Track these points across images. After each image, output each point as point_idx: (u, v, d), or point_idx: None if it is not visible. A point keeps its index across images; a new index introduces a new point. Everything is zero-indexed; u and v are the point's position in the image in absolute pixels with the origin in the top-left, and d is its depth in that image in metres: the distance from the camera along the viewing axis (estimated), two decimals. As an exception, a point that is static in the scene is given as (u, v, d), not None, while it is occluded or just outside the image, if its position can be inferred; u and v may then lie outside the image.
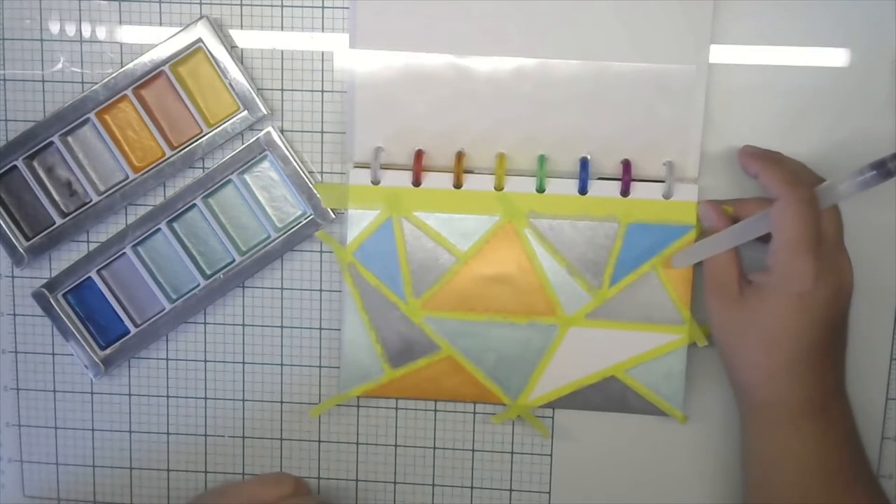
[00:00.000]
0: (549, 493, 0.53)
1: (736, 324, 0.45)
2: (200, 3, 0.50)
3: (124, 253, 0.52)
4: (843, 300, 0.44)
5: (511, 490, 0.53)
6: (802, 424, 0.44)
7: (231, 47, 0.50)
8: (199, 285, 0.52)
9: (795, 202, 0.41)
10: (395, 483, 0.54)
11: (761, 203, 0.46)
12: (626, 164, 0.48)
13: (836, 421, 0.45)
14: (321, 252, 0.52)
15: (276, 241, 0.51)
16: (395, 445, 0.53)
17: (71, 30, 0.51)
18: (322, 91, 0.50)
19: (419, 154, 0.49)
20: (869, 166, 0.38)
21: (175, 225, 0.52)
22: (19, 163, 0.51)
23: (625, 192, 0.48)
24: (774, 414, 0.45)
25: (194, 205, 0.51)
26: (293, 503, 0.48)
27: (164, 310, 0.52)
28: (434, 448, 0.53)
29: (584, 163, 0.49)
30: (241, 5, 0.50)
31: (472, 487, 0.53)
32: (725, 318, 0.45)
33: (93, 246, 0.52)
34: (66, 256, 0.53)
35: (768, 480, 0.45)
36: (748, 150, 0.47)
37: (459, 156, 0.49)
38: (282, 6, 0.50)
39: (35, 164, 0.51)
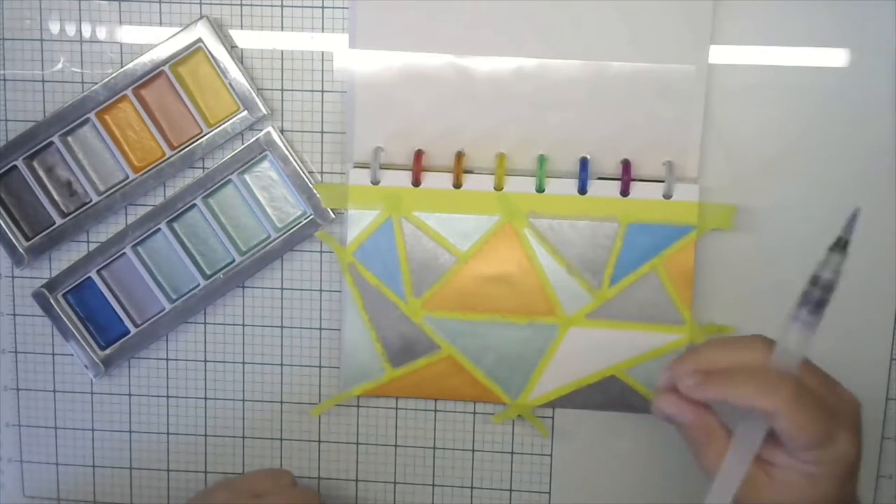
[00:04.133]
0: (549, 492, 0.53)
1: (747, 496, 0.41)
2: (200, 3, 0.50)
3: (124, 253, 0.52)
4: (855, 461, 0.40)
5: (511, 490, 0.53)
6: None
7: (231, 47, 0.50)
8: (199, 285, 0.52)
9: (792, 410, 0.37)
10: (395, 483, 0.54)
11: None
12: (626, 164, 0.48)
13: None
14: (321, 252, 0.52)
15: (276, 241, 0.51)
16: (395, 445, 0.53)
17: (71, 30, 0.51)
18: (322, 91, 0.50)
19: (419, 154, 0.49)
20: (796, 306, 0.36)
21: (175, 225, 0.52)
22: (19, 163, 0.51)
23: (625, 191, 0.48)
24: None
25: (194, 205, 0.51)
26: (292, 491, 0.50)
27: (164, 310, 0.52)
28: (434, 448, 0.53)
29: (583, 163, 0.49)
30: (241, 5, 0.50)
31: (472, 487, 0.53)
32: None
33: (93, 246, 0.52)
34: (66, 256, 0.53)
35: None
36: (686, 385, 0.39)
37: (459, 156, 0.49)
38: (282, 6, 0.50)
39: (35, 164, 0.51)
